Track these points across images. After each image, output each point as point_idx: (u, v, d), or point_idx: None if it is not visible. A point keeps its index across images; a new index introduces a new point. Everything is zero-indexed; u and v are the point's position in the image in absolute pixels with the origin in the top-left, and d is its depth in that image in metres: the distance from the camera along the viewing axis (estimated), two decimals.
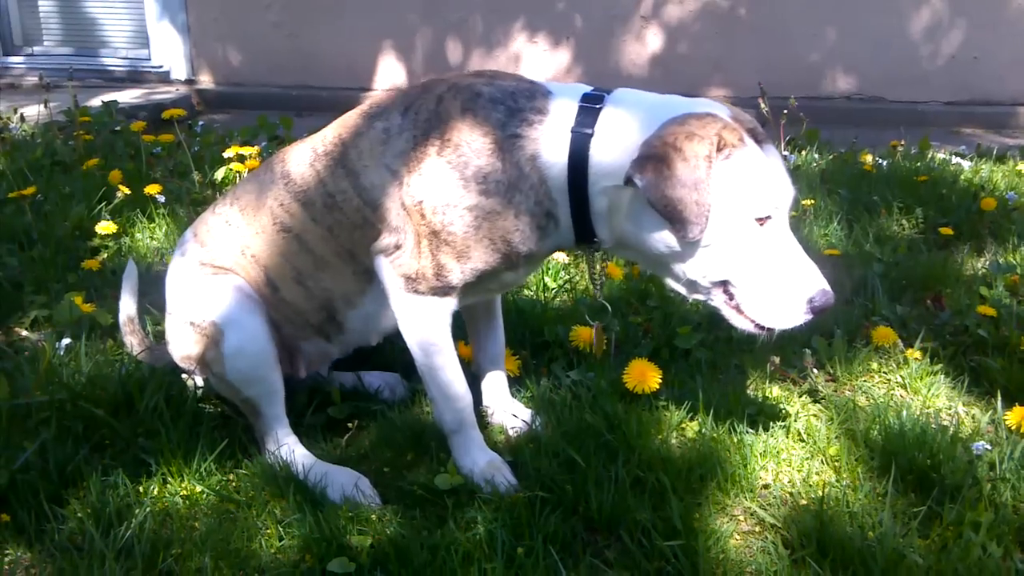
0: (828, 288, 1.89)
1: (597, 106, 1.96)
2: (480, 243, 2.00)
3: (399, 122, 2.05)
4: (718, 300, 1.97)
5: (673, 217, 1.81)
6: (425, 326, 2.11)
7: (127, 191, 3.89)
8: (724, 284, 1.94)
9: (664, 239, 1.90)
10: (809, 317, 1.89)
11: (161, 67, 8.41)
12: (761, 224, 1.88)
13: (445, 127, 1.99)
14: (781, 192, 1.91)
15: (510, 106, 1.98)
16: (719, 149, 1.83)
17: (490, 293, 2.32)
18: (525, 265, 2.10)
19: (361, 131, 2.10)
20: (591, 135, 1.94)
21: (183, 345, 2.27)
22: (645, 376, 2.44)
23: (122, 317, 2.57)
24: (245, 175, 3.56)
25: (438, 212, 1.98)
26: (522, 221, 1.99)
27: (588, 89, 2.03)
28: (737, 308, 1.95)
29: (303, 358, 2.37)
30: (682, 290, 2.02)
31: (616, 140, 1.92)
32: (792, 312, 1.89)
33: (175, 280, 2.31)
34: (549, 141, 1.96)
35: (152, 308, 2.84)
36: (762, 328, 1.94)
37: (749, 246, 1.88)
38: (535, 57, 7.92)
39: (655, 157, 1.81)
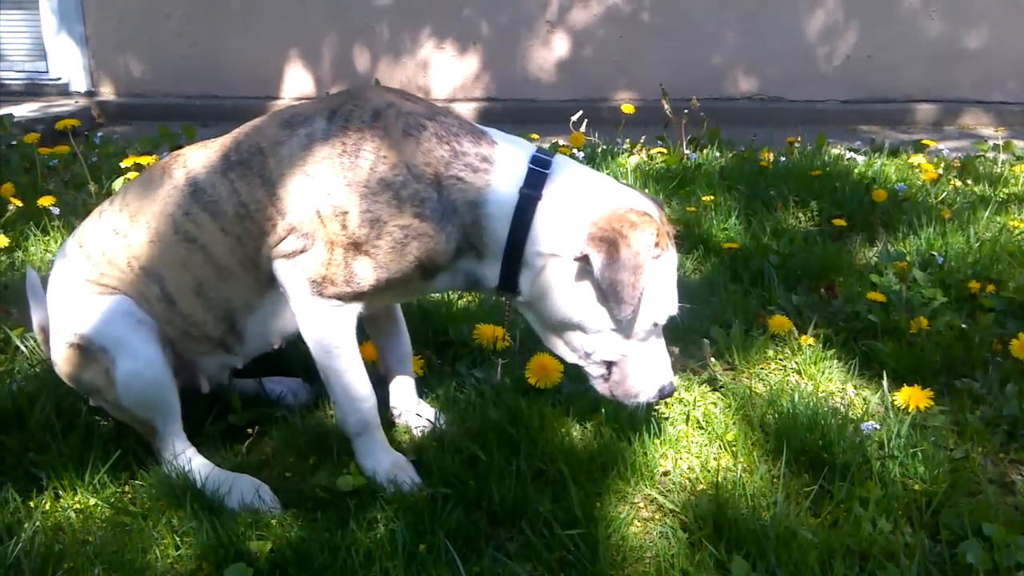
0: (675, 381, 2.17)
1: (545, 171, 2.03)
2: (404, 258, 2.00)
3: (323, 127, 2.02)
4: (595, 371, 2.13)
5: (612, 296, 1.91)
6: (329, 330, 2.09)
7: (20, 204, 3.78)
8: (610, 364, 2.10)
9: (588, 312, 2.02)
10: (655, 400, 2.15)
11: (60, 79, 8.21)
12: (655, 326, 2.08)
13: (382, 143, 1.98)
14: (676, 302, 2.10)
15: (455, 147, 2.00)
16: (655, 245, 1.96)
17: (397, 300, 2.33)
18: (438, 278, 2.12)
19: (282, 140, 2.05)
20: (539, 199, 2.00)
21: (69, 366, 2.18)
22: (547, 371, 2.46)
23: (35, 327, 2.47)
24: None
25: (364, 225, 1.96)
26: (450, 245, 2.02)
27: (534, 148, 2.09)
28: (604, 380, 2.14)
29: (203, 373, 2.30)
30: (568, 355, 2.15)
31: (563, 211, 2.00)
32: (646, 394, 2.12)
33: (58, 296, 2.21)
34: (496, 195, 2.00)
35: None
36: (616, 398, 2.16)
37: (642, 343, 2.08)
38: (443, 63, 7.93)
39: (607, 240, 1.91)
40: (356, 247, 1.98)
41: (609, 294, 1.92)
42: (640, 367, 2.09)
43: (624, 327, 2.02)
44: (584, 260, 1.94)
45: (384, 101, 2.06)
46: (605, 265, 1.89)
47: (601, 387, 2.14)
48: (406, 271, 2.03)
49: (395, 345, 2.46)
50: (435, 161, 1.98)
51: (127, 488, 2.15)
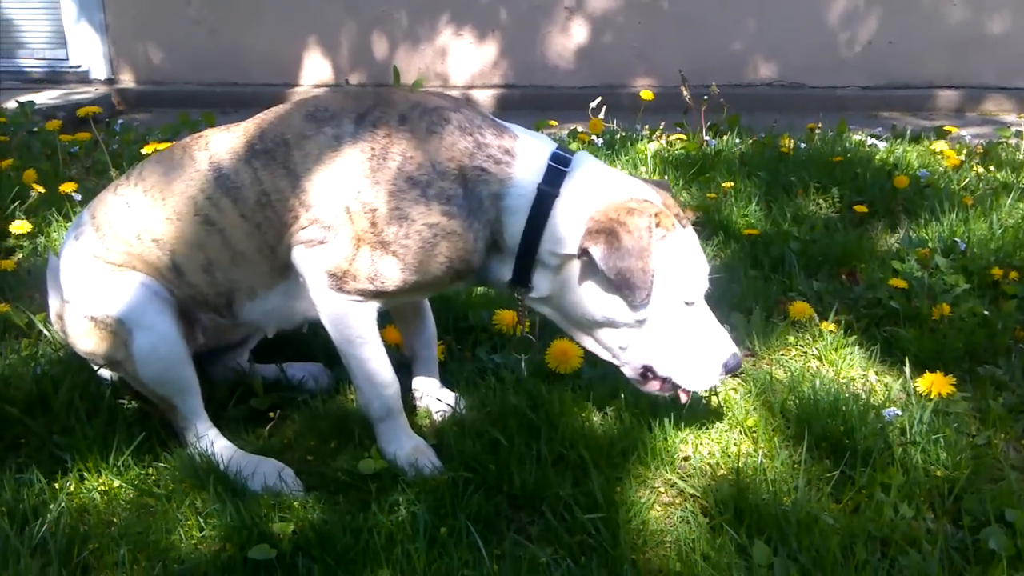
0: (738, 352, 2.10)
1: (564, 168, 2.04)
2: (434, 259, 2.02)
3: (352, 130, 2.04)
4: (631, 373, 2.14)
5: (623, 284, 1.92)
6: (349, 322, 2.10)
7: (42, 190, 3.81)
8: (648, 367, 2.10)
9: (607, 307, 2.02)
10: (724, 378, 2.12)
11: (80, 67, 8.25)
12: (690, 306, 2.05)
13: (408, 145, 2.01)
14: (705, 274, 2.08)
15: (478, 139, 2.03)
16: (656, 226, 1.96)
17: (420, 297, 2.34)
18: (463, 280, 2.14)
19: (308, 135, 2.06)
20: (557, 197, 2.01)
21: (85, 340, 2.20)
22: (567, 356, 2.47)
23: (52, 313, 2.50)
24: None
25: (393, 222, 1.98)
26: (479, 244, 2.04)
27: (555, 146, 2.10)
28: (643, 378, 2.13)
29: (199, 326, 2.30)
30: (602, 352, 2.16)
31: (576, 209, 2.00)
32: (710, 376, 2.09)
33: (72, 269, 2.23)
34: (515, 188, 2.02)
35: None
36: (676, 390, 2.13)
37: (679, 326, 2.05)
38: (461, 50, 7.92)
39: (604, 231, 1.92)
40: (384, 245, 2.00)
41: (619, 283, 1.92)
42: (691, 350, 2.06)
43: (652, 313, 2.00)
44: (586, 255, 1.95)
45: (409, 103, 2.08)
46: (606, 255, 1.90)
47: (643, 387, 2.15)
48: (436, 274, 2.04)
49: (420, 328, 2.46)
50: (459, 154, 2.00)
51: (151, 470, 2.17)
